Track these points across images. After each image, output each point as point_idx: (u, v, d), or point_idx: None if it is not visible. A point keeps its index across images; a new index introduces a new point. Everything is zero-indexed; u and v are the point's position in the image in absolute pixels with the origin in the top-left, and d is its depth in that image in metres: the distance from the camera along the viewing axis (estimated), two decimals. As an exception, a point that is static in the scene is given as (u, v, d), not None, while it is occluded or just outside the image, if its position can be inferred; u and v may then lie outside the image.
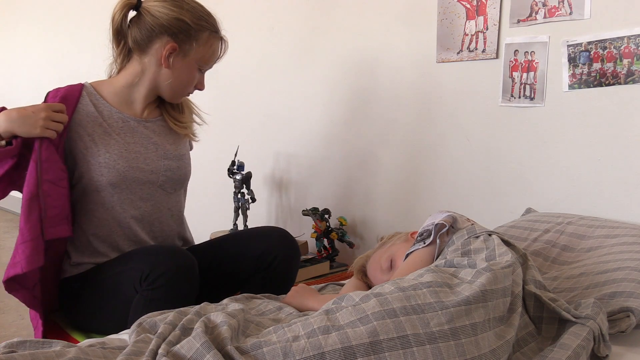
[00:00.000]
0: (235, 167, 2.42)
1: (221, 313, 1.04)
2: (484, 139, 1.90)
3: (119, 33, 1.57)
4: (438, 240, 1.25)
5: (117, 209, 1.56)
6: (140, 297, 1.39)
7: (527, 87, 1.77)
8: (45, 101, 1.53)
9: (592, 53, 1.63)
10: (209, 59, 1.61)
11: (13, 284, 1.46)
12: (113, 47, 1.60)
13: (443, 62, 1.96)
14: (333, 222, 2.32)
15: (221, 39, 1.62)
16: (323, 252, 2.26)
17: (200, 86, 1.65)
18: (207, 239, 1.90)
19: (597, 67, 1.62)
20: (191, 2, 1.56)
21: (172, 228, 1.68)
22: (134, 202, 1.58)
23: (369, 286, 1.37)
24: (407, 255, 1.28)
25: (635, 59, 1.55)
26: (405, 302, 0.96)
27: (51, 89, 1.57)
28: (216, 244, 1.71)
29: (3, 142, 1.44)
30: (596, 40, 1.61)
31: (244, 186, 2.42)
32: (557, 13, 1.69)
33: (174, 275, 1.38)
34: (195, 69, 1.60)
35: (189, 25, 1.52)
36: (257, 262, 1.60)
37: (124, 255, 1.54)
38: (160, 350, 0.94)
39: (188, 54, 1.56)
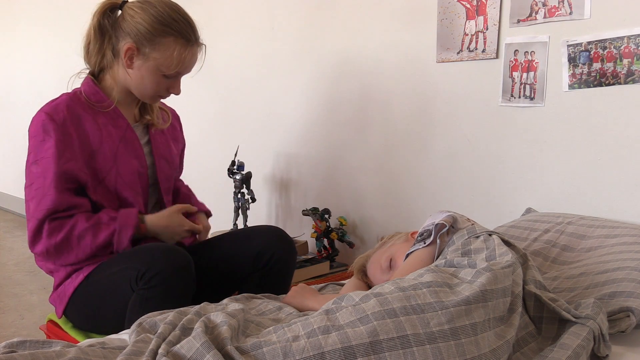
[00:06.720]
0: (235, 167, 2.42)
1: (221, 313, 1.04)
2: (484, 139, 1.90)
3: (103, 32, 1.56)
4: (438, 240, 1.25)
5: None
6: (137, 296, 1.39)
7: (527, 87, 1.77)
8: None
9: (592, 53, 1.63)
10: (173, 66, 1.53)
11: None
12: (91, 44, 1.58)
13: (443, 62, 1.96)
14: (333, 222, 2.32)
15: (189, 47, 1.53)
16: (323, 252, 2.26)
17: (173, 90, 1.60)
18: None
19: (597, 67, 1.62)
20: (162, 6, 1.51)
21: None
22: None
23: (369, 286, 1.37)
24: (407, 255, 1.28)
25: (635, 59, 1.55)
26: (405, 302, 0.96)
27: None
28: (213, 243, 1.71)
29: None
30: (596, 40, 1.61)
31: (244, 186, 2.42)
32: (557, 13, 1.68)
33: (170, 274, 1.38)
34: (159, 74, 1.53)
35: (148, 30, 1.49)
36: (254, 262, 1.60)
37: (120, 254, 1.54)
38: (160, 350, 0.94)
39: (148, 57, 1.51)
